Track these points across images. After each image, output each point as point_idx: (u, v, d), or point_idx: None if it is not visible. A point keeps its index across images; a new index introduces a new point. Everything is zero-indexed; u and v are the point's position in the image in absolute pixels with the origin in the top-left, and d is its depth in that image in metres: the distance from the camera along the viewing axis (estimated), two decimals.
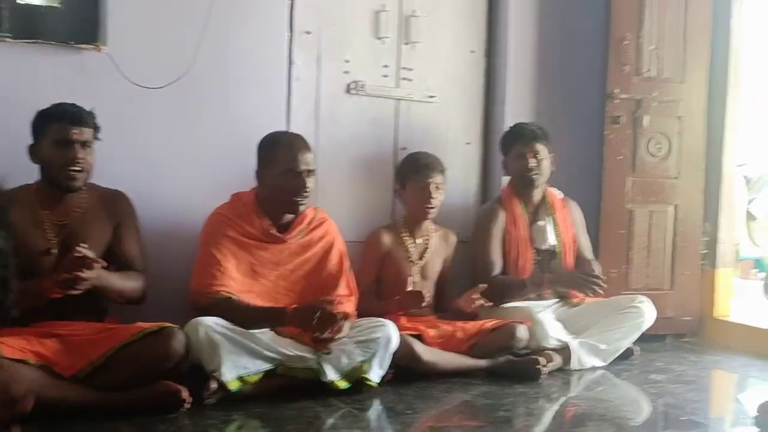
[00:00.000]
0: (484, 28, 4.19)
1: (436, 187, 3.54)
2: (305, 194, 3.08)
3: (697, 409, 3.01)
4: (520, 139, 3.76)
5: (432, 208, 3.54)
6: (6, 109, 3.05)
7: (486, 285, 3.46)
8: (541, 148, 3.76)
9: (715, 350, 4.08)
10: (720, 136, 4.33)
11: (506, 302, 3.60)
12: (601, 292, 3.59)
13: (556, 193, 3.92)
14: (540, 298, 3.76)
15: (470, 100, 4.16)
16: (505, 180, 3.92)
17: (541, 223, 3.80)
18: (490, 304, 3.47)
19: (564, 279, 3.72)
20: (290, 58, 3.66)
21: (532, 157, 3.73)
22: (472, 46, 4.16)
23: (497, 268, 3.72)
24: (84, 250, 2.62)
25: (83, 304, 2.80)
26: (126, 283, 2.86)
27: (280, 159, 3.08)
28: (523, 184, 3.79)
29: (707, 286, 4.36)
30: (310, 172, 3.10)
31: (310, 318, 2.80)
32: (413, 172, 3.55)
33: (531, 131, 3.77)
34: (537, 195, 3.84)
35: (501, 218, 3.76)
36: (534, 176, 3.74)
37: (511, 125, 3.87)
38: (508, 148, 3.81)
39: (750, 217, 5.87)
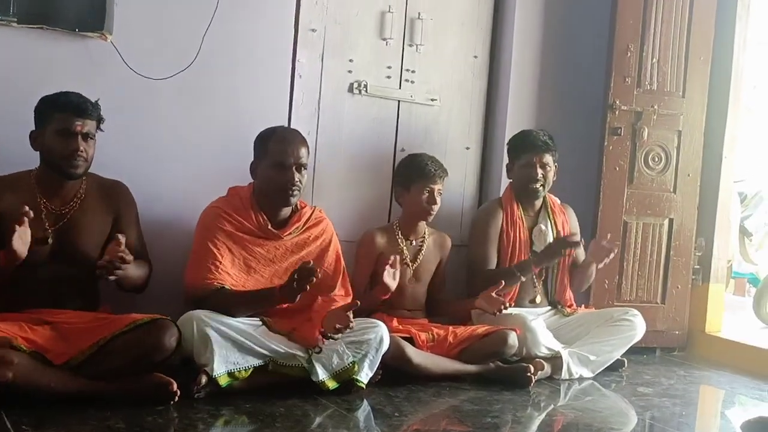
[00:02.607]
0: (488, 34, 4.20)
1: (439, 192, 3.56)
2: (294, 188, 3.08)
3: (683, 423, 3.02)
4: (531, 149, 3.73)
5: (433, 212, 3.55)
6: (8, 93, 3.05)
7: (503, 283, 3.45)
8: (550, 160, 3.76)
9: (704, 365, 4.10)
10: (718, 151, 4.35)
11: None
12: (577, 240, 3.67)
13: (554, 199, 3.93)
14: (533, 304, 3.78)
15: (471, 105, 4.17)
16: (505, 184, 3.93)
17: (542, 227, 3.81)
18: (511, 305, 3.48)
19: (547, 254, 3.70)
20: (294, 55, 3.66)
21: (540, 168, 3.73)
22: (475, 51, 4.17)
23: (491, 264, 3.73)
24: (121, 237, 2.63)
25: (77, 291, 2.82)
26: (137, 271, 2.86)
27: (271, 152, 3.09)
28: (525, 193, 3.79)
29: (699, 301, 4.38)
30: (300, 166, 3.09)
31: (292, 281, 2.76)
32: (421, 176, 3.53)
33: (544, 142, 3.74)
34: (538, 201, 3.85)
35: (499, 219, 3.76)
36: (539, 187, 3.75)
37: (522, 130, 3.86)
38: (517, 154, 3.79)
39: (745, 233, 5.87)
